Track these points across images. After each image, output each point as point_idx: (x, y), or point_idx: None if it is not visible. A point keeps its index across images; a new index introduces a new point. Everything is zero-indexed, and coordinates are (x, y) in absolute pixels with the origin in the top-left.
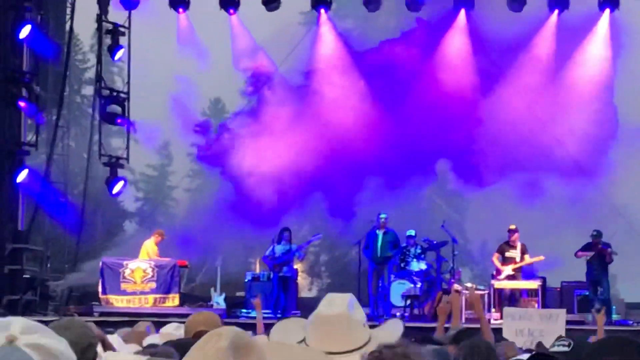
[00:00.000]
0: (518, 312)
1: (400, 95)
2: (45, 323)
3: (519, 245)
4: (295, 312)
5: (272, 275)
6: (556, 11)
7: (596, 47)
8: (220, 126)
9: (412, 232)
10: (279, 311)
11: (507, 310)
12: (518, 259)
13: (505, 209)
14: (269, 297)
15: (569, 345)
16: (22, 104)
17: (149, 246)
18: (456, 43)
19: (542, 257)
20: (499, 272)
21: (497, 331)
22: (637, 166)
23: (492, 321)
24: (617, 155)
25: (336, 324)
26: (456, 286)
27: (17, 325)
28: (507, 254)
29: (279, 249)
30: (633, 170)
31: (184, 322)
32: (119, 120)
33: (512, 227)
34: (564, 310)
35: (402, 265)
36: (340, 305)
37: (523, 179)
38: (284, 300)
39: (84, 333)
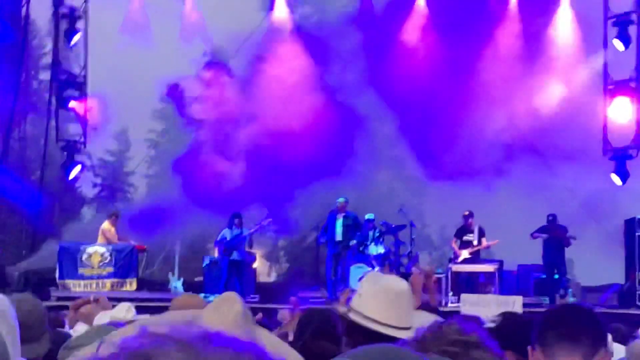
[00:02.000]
0: (475, 299)
1: (358, 80)
2: None
3: (476, 229)
4: (253, 296)
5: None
6: None
7: (561, 27)
8: (178, 112)
9: (371, 216)
10: None
11: (464, 297)
12: (475, 242)
13: (463, 193)
14: (221, 281)
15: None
16: None
17: (107, 229)
18: (416, 26)
19: (497, 241)
20: (456, 255)
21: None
22: (593, 151)
23: (449, 304)
24: (574, 139)
25: (408, 298)
26: (414, 269)
27: None
28: (465, 238)
29: (229, 233)
30: (589, 155)
31: (139, 306)
32: (75, 105)
33: (466, 213)
34: (520, 297)
35: (360, 249)
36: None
37: (481, 163)
38: (238, 284)
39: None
